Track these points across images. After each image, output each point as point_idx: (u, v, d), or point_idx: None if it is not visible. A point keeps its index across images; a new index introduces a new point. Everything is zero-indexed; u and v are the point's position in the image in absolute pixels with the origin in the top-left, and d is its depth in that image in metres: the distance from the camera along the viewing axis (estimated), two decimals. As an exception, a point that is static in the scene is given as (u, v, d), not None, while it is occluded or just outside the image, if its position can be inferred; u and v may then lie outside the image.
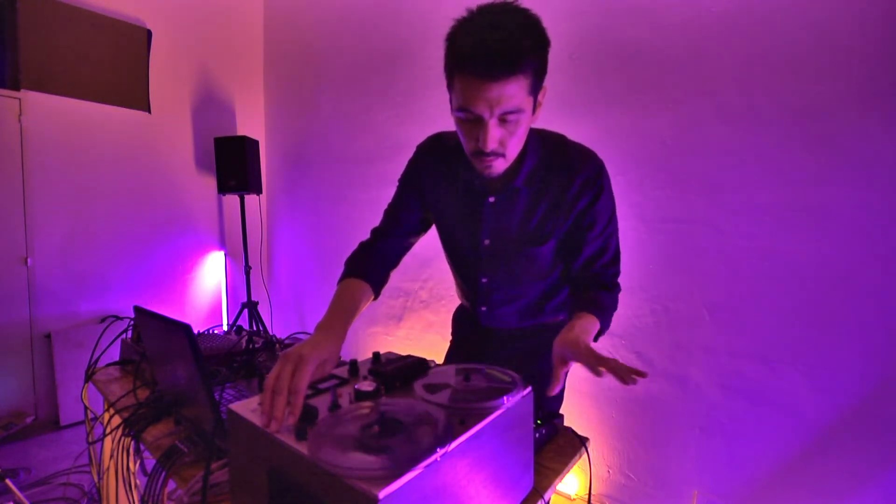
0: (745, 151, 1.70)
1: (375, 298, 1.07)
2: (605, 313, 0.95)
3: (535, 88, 0.82)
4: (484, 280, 1.08)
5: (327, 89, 3.43)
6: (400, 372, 0.81)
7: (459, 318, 1.34)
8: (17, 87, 2.72)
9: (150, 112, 3.29)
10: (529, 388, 0.76)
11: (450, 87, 0.84)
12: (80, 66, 2.96)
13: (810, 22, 1.55)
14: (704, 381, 1.80)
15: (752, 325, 1.70)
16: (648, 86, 1.91)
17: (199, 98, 3.61)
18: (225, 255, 3.81)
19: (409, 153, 1.26)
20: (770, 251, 1.65)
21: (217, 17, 3.70)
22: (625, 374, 0.71)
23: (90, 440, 1.54)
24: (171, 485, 0.87)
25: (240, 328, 1.79)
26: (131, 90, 3.20)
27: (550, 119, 2.23)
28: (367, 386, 0.74)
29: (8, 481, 1.87)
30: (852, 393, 1.52)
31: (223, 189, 3.38)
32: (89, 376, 1.47)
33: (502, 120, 0.80)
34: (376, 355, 0.91)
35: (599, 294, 0.98)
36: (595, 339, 0.92)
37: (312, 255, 3.66)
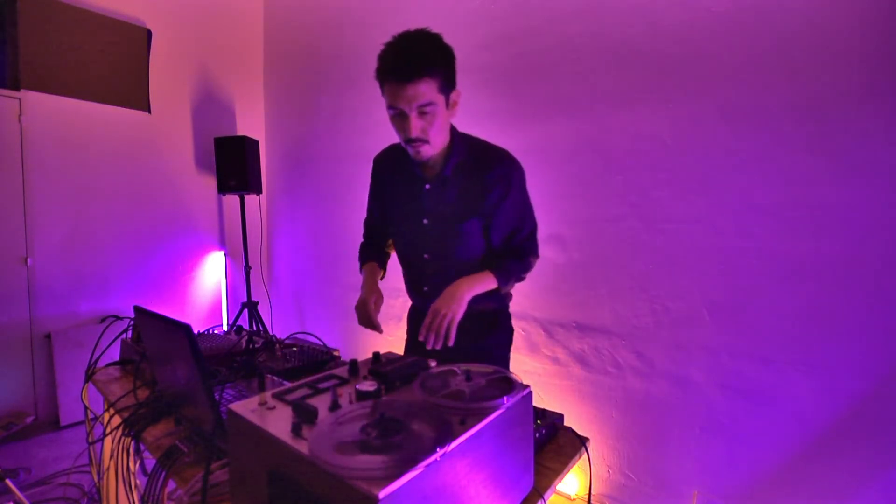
0: (745, 151, 1.70)
1: (382, 277, 1.40)
2: (505, 274, 1.21)
3: (444, 89, 1.08)
4: (426, 256, 1.29)
5: (327, 89, 3.43)
6: (400, 372, 0.81)
7: (411, 317, 1.50)
8: (17, 87, 2.72)
9: (150, 112, 3.29)
10: (529, 389, 0.76)
11: (382, 93, 1.10)
12: (80, 66, 2.96)
13: (810, 22, 1.55)
14: (704, 381, 1.80)
15: (752, 325, 1.70)
16: (649, 86, 1.91)
17: (199, 98, 3.61)
18: (225, 255, 3.82)
19: (409, 153, 1.38)
20: (770, 251, 1.65)
21: (217, 17, 3.70)
22: (426, 334, 1.09)
23: (90, 440, 1.54)
24: (171, 485, 0.87)
25: (240, 328, 1.79)
26: (131, 90, 3.20)
27: (552, 118, 2.25)
28: (367, 386, 0.74)
29: (8, 481, 1.87)
30: (852, 393, 1.52)
31: (223, 189, 3.38)
32: (89, 376, 1.47)
33: (421, 112, 1.06)
34: (376, 355, 0.91)
35: (508, 259, 1.24)
36: (493, 294, 1.22)
37: (312, 255, 3.66)
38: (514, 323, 2.37)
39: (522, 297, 2.35)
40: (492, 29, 2.40)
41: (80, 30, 2.94)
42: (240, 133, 3.81)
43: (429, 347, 1.11)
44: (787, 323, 1.63)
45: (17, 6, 2.68)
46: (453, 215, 1.21)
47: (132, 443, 1.03)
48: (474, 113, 2.51)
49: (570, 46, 2.12)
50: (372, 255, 1.42)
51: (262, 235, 3.99)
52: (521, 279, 1.28)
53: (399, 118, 1.09)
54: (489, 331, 1.34)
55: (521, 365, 2.34)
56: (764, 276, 1.67)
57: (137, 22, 3.21)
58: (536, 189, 2.26)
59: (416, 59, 1.02)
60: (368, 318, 1.23)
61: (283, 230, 3.92)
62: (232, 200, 3.77)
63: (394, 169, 1.32)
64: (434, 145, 1.12)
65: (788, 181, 1.61)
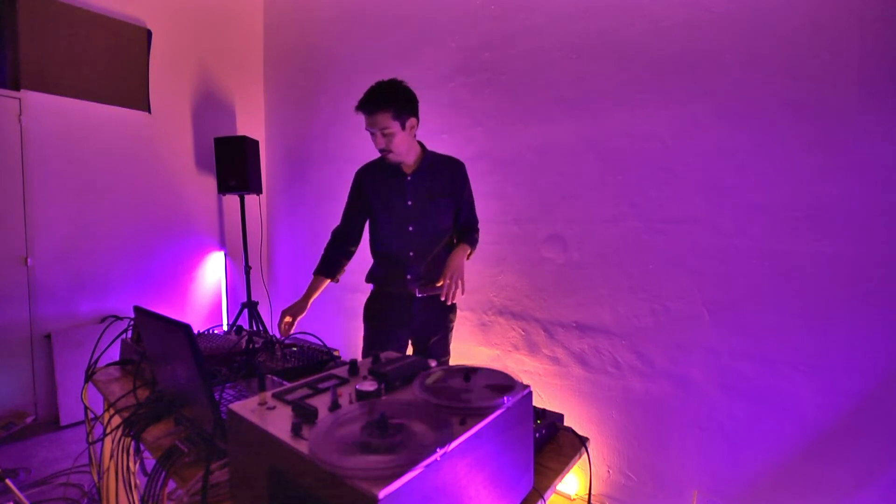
0: (745, 151, 1.70)
1: (336, 280, 1.84)
2: (473, 242, 1.78)
3: (398, 118, 1.57)
4: (411, 228, 1.72)
5: (327, 89, 3.43)
6: (400, 372, 0.81)
7: (376, 304, 1.82)
8: (17, 87, 2.72)
9: (150, 112, 3.29)
10: (529, 389, 0.76)
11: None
12: (80, 66, 2.96)
13: (810, 22, 1.55)
14: (704, 381, 1.80)
15: (752, 325, 1.70)
16: (649, 86, 1.91)
17: (199, 98, 3.61)
18: (225, 255, 3.81)
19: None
20: (770, 251, 1.65)
21: (217, 17, 3.70)
22: (447, 295, 1.58)
23: (90, 440, 1.54)
24: (171, 485, 0.87)
25: (240, 328, 1.79)
26: (131, 90, 3.20)
27: (552, 118, 2.25)
28: (367, 386, 0.74)
29: (8, 481, 1.87)
30: (853, 393, 1.52)
31: (223, 189, 3.38)
32: (89, 376, 1.47)
33: (383, 133, 1.58)
34: (376, 355, 0.91)
35: (469, 233, 1.79)
36: (468, 257, 1.74)
37: (312, 255, 3.66)
38: (515, 323, 2.38)
39: (522, 297, 2.35)
40: (492, 29, 2.41)
41: (80, 30, 2.94)
42: (240, 133, 3.81)
43: (451, 302, 1.61)
44: (787, 322, 1.63)
45: (17, 6, 2.68)
46: (431, 195, 1.73)
47: (132, 443, 1.03)
48: (475, 113, 2.51)
49: (570, 46, 2.12)
50: (327, 269, 1.80)
51: (262, 235, 3.99)
52: (476, 246, 1.81)
53: (372, 135, 1.61)
54: (448, 306, 1.77)
55: (521, 365, 2.34)
56: (764, 276, 1.67)
57: (137, 22, 3.21)
58: (536, 189, 2.28)
59: (374, 100, 1.55)
60: (284, 328, 1.66)
61: (283, 230, 3.92)
62: (232, 200, 3.77)
63: (378, 172, 1.77)
64: (396, 154, 1.63)
65: (788, 180, 1.61)
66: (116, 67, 3.12)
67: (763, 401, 1.67)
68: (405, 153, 1.66)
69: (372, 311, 1.83)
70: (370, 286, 1.85)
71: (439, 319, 1.78)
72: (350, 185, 1.84)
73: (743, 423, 1.71)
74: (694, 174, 1.81)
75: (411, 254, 1.72)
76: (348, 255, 1.84)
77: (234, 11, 3.81)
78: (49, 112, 2.84)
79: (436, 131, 2.67)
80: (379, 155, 1.69)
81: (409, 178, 1.71)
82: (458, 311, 2.66)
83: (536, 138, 2.26)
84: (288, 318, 1.66)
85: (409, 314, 1.74)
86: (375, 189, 1.76)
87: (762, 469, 1.68)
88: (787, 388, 1.62)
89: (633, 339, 1.98)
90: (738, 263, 1.72)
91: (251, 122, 3.94)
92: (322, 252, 1.82)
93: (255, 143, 3.46)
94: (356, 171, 1.83)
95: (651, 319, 1.93)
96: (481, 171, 2.48)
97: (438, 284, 1.61)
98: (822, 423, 1.57)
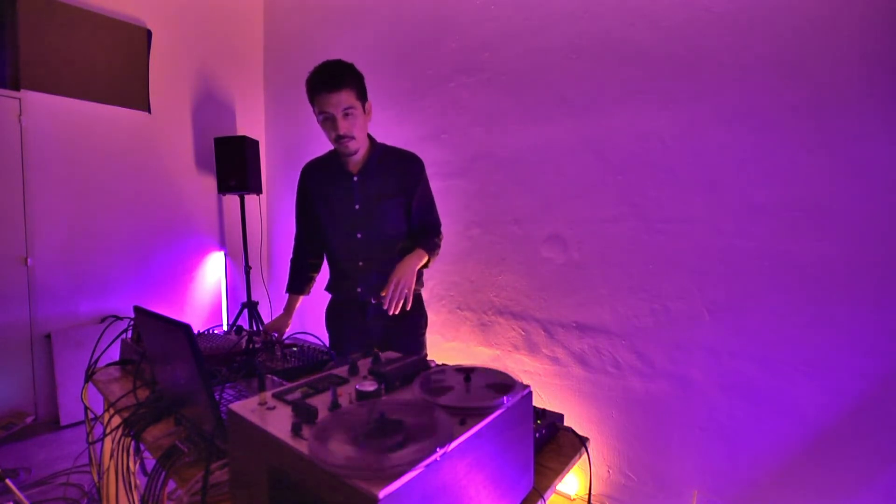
0: (744, 151, 1.70)
1: (307, 293, 1.76)
2: (430, 246, 1.54)
3: (360, 98, 1.42)
4: (359, 235, 1.55)
5: (327, 89, 3.43)
6: (400, 372, 0.81)
7: (333, 313, 1.70)
8: (17, 87, 2.72)
9: (150, 112, 3.29)
10: (529, 389, 0.76)
11: (312, 104, 1.42)
12: (80, 66, 2.96)
13: (810, 22, 1.55)
14: (704, 381, 1.80)
15: (752, 325, 1.70)
16: (649, 86, 1.91)
17: (199, 98, 3.61)
18: (225, 255, 3.81)
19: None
20: (770, 251, 1.65)
21: (217, 17, 3.70)
22: (388, 305, 1.38)
23: (90, 440, 1.54)
24: (171, 485, 0.87)
25: (240, 328, 1.79)
26: (131, 90, 3.20)
27: (552, 118, 2.24)
28: (367, 386, 0.74)
29: (8, 481, 1.87)
30: (853, 393, 1.52)
31: (223, 189, 3.38)
32: (89, 376, 1.47)
33: (345, 114, 1.39)
34: (376, 355, 0.91)
35: (427, 236, 1.57)
36: (427, 265, 1.53)
37: (312, 255, 3.66)
38: (515, 323, 2.38)
39: (522, 297, 2.35)
40: (492, 29, 2.41)
41: (80, 30, 2.94)
42: (240, 133, 3.81)
43: (392, 313, 1.40)
44: (787, 323, 1.63)
45: (17, 6, 2.68)
46: (381, 195, 1.54)
47: (132, 443, 1.03)
48: (475, 113, 2.51)
49: (571, 46, 2.12)
50: (295, 284, 1.74)
51: (262, 235, 3.99)
52: (437, 252, 1.58)
53: (329, 121, 1.41)
54: (415, 312, 1.60)
55: (521, 365, 2.34)
56: (764, 276, 1.67)
57: (137, 22, 3.21)
58: (537, 189, 2.28)
59: (339, 75, 1.37)
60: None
61: (283, 230, 3.92)
62: (232, 200, 3.77)
63: (322, 172, 1.61)
64: (357, 140, 1.45)
65: (788, 181, 1.61)
66: (116, 67, 3.12)
67: (763, 401, 1.67)
68: (363, 141, 1.49)
69: (332, 323, 1.71)
70: None
71: (404, 328, 1.59)
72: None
73: (743, 423, 1.71)
74: (694, 174, 1.81)
75: (360, 263, 1.56)
76: (315, 268, 1.76)
77: (234, 11, 3.81)
78: (49, 112, 2.84)
79: (436, 131, 2.67)
80: (321, 153, 1.58)
81: (355, 178, 1.53)
82: (458, 311, 2.66)
83: (536, 138, 2.26)
84: (275, 334, 1.61)
85: (364, 326, 1.60)
86: (320, 190, 1.60)
87: (762, 469, 1.68)
88: (787, 389, 1.62)
89: (633, 339, 1.98)
90: (738, 263, 1.72)
91: (251, 122, 3.95)
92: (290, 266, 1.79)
93: (255, 143, 3.46)
94: (301, 170, 1.68)
95: (651, 319, 1.92)
96: (481, 171, 2.48)
97: (382, 294, 1.41)
98: (822, 423, 1.57)
